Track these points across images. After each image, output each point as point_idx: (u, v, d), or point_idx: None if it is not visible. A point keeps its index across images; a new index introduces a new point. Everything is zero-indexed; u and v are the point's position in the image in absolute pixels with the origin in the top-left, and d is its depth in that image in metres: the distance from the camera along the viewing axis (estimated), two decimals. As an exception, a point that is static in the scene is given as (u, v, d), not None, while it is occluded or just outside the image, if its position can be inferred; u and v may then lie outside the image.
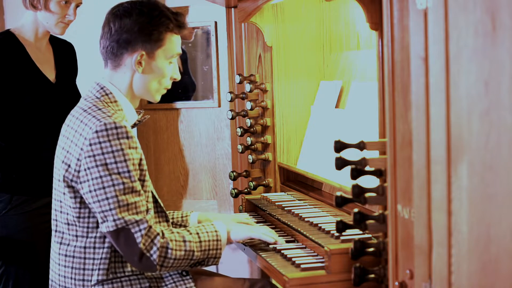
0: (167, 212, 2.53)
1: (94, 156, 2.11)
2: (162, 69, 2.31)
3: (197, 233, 2.23)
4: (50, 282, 2.33)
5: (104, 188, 2.11)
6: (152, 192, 2.25)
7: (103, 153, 2.11)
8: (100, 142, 2.11)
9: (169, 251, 2.15)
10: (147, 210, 2.16)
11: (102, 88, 2.28)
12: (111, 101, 2.26)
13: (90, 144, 2.12)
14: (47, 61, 3.00)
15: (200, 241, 2.22)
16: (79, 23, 3.09)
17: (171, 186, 3.59)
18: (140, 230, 2.12)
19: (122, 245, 2.13)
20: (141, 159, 2.18)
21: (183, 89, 3.59)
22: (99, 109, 2.20)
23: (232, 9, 3.21)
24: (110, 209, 2.11)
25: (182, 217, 2.54)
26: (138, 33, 2.24)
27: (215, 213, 2.67)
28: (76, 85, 3.11)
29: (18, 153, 2.90)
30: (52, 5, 2.88)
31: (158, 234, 2.14)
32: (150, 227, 2.13)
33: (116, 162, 2.11)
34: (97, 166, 2.11)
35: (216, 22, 3.45)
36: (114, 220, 2.11)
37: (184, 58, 3.57)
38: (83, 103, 2.27)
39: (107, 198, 2.11)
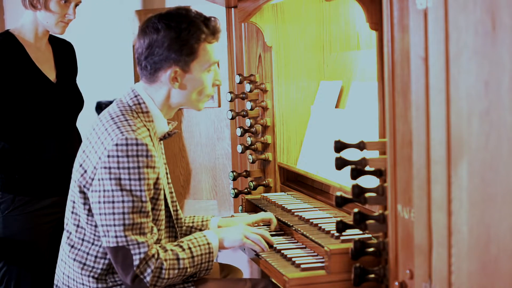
0: (188, 216, 2.53)
1: (109, 168, 2.08)
2: (201, 80, 2.23)
3: (189, 248, 2.20)
4: (55, 282, 2.35)
5: (113, 202, 2.09)
6: (169, 207, 2.25)
7: (118, 168, 2.08)
8: (118, 156, 2.07)
9: (163, 271, 2.12)
10: (152, 231, 2.14)
11: (136, 96, 2.23)
12: (142, 112, 2.21)
13: (108, 156, 2.08)
14: (47, 61, 2.99)
15: (193, 256, 2.20)
16: (78, 22, 3.09)
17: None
18: (139, 253, 2.09)
19: (119, 263, 2.11)
20: (158, 178, 2.15)
21: (183, 89, 3.59)
22: (126, 120, 2.15)
23: (232, 9, 3.21)
24: (114, 225, 2.09)
25: (202, 221, 2.51)
26: (168, 50, 2.15)
27: (235, 217, 2.62)
28: (77, 84, 3.11)
29: (21, 154, 2.90)
30: (52, 5, 2.87)
31: (153, 255, 2.11)
32: (150, 250, 2.11)
33: (130, 179, 2.08)
34: (110, 179, 2.08)
35: (216, 22, 3.45)
36: (116, 237, 2.09)
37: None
38: (114, 108, 2.22)
39: (113, 213, 2.09)
